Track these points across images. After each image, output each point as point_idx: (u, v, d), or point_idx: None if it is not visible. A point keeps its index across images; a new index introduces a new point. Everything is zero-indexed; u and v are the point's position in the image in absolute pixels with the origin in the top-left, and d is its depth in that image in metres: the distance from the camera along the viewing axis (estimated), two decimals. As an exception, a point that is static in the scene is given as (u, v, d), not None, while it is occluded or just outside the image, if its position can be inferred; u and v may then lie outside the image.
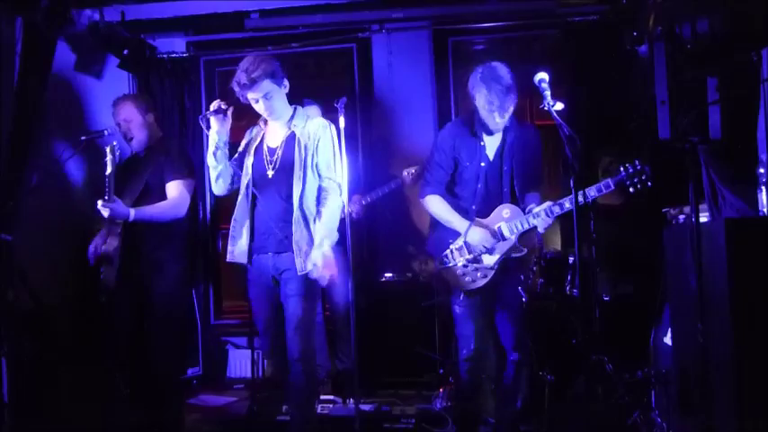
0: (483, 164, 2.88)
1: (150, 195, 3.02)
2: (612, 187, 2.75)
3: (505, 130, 2.90)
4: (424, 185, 2.96)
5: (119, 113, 3.15)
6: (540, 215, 2.78)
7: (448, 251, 2.89)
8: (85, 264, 3.12)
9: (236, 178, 2.79)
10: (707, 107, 2.20)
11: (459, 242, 2.87)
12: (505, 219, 2.84)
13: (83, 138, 3.20)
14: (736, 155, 2.38)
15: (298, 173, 2.66)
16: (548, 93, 2.59)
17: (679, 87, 2.22)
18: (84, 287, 4.01)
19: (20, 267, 3.36)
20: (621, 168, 2.75)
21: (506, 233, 2.83)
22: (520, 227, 2.82)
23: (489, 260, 2.84)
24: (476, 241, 2.82)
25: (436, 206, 2.92)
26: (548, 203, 2.79)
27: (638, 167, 2.70)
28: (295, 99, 3.09)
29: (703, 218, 2.61)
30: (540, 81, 2.62)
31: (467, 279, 2.87)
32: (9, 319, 3.17)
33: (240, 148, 2.82)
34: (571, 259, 3.54)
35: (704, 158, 2.50)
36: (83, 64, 4.31)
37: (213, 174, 2.77)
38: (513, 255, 2.86)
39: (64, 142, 3.22)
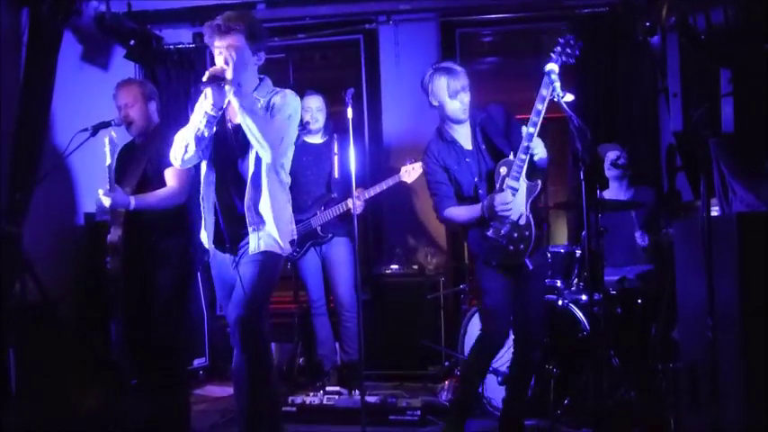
0: (468, 159, 2.91)
1: (149, 183, 3.00)
2: (555, 60, 2.67)
3: (472, 120, 2.93)
4: (437, 207, 2.96)
5: (121, 96, 3.11)
6: (524, 141, 2.72)
7: (488, 240, 2.82)
8: (91, 255, 3.12)
9: (204, 153, 2.56)
10: (719, 99, 2.17)
11: (487, 224, 2.82)
12: (504, 174, 2.81)
13: (89, 128, 3.18)
14: (748, 149, 2.35)
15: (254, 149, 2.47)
16: (557, 84, 2.57)
17: (690, 79, 2.19)
18: (90, 278, 4.03)
19: (27, 259, 3.36)
20: (559, 40, 2.70)
21: (514, 184, 2.78)
22: (518, 169, 2.77)
23: (517, 214, 2.79)
24: (495, 207, 2.76)
25: (455, 213, 2.92)
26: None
27: (568, 39, 2.69)
28: (300, 90, 3.06)
29: (713, 212, 2.59)
30: (550, 72, 2.59)
31: (521, 246, 2.79)
32: (16, 311, 3.18)
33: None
34: (578, 252, 3.53)
35: (715, 151, 2.48)
36: (89, 55, 4.31)
37: (194, 146, 2.47)
38: (534, 193, 2.80)
39: (70, 133, 3.20)
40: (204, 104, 2.43)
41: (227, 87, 2.41)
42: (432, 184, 2.96)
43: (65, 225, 4.14)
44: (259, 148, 2.44)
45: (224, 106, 2.48)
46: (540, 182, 2.81)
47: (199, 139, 2.48)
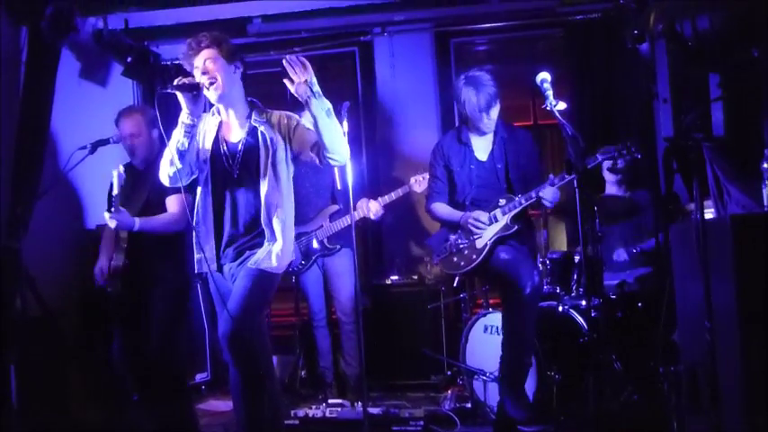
0: (473, 166, 3.03)
1: (151, 210, 3.03)
2: (599, 160, 2.90)
3: (495, 132, 3.05)
4: (428, 197, 3.18)
5: (125, 127, 3.13)
6: (534, 191, 2.93)
7: (446, 241, 3.08)
8: (91, 270, 3.13)
9: (193, 168, 2.57)
10: (709, 104, 2.20)
11: (456, 230, 3.06)
12: (500, 206, 3.02)
13: (87, 145, 3.21)
14: (741, 151, 2.37)
15: (264, 170, 2.52)
16: (550, 93, 2.61)
17: (681, 85, 2.22)
18: (90, 293, 4.04)
19: (27, 274, 3.38)
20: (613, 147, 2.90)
21: (499, 216, 2.99)
22: (512, 208, 2.98)
23: (481, 241, 2.99)
24: (469, 221, 2.98)
25: (439, 210, 3.14)
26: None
27: (627, 144, 2.87)
28: (297, 105, 3.08)
29: (708, 214, 2.60)
30: (543, 81, 2.63)
31: (461, 263, 3.02)
32: (17, 326, 3.18)
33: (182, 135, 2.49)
34: (576, 258, 3.53)
35: (709, 155, 2.50)
36: (87, 72, 4.35)
37: (177, 159, 2.46)
38: (505, 233, 2.98)
39: (69, 148, 3.23)
40: (181, 115, 2.48)
41: (212, 94, 2.49)
42: (430, 176, 3.20)
43: (65, 240, 4.15)
44: (335, 154, 2.44)
45: (200, 115, 2.52)
46: (517, 226, 3.00)
47: (180, 153, 2.49)
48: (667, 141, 2.20)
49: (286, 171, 2.58)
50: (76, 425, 3.15)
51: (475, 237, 2.98)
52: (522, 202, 2.94)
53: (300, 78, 2.39)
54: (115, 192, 2.95)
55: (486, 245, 2.97)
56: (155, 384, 2.96)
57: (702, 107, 2.21)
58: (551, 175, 2.96)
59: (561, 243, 4.63)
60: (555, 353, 3.22)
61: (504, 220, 2.96)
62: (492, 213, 2.98)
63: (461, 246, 3.00)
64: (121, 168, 3.02)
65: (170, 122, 2.55)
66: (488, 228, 2.97)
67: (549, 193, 2.90)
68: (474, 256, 2.97)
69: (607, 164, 3.85)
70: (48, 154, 3.86)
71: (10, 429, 2.95)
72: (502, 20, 4.52)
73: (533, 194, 2.92)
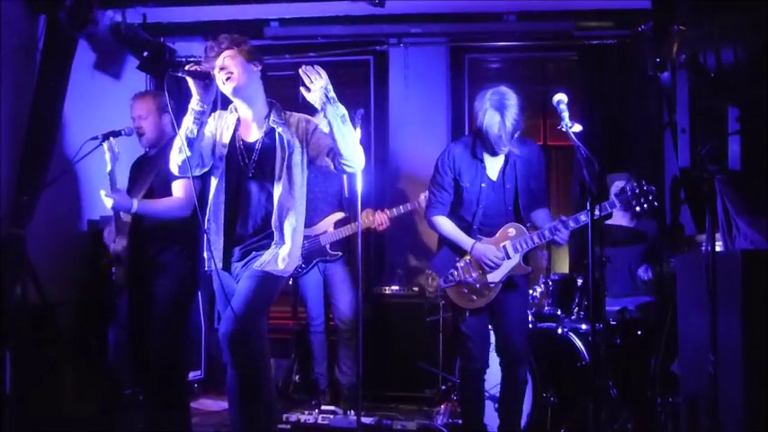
0: (484, 184, 2.92)
1: (154, 195, 3.00)
2: (617, 205, 2.79)
3: (507, 154, 2.93)
4: (430, 206, 3.00)
5: (135, 108, 3.13)
6: (548, 232, 2.83)
7: (453, 269, 2.92)
8: (92, 262, 3.12)
9: (206, 161, 2.56)
10: (727, 137, 2.20)
11: (466, 259, 2.91)
12: (510, 237, 2.90)
13: (98, 136, 3.20)
14: (754, 186, 2.37)
15: (279, 173, 2.53)
16: (566, 114, 2.59)
17: (697, 116, 2.23)
18: (90, 285, 4.03)
19: (29, 262, 3.37)
20: (627, 187, 2.80)
21: (511, 252, 2.88)
22: (524, 245, 2.87)
23: (493, 277, 2.88)
24: (482, 257, 2.86)
25: (443, 226, 2.97)
26: (555, 222, 2.85)
27: (645, 188, 2.74)
28: (309, 109, 3.09)
29: (716, 248, 2.59)
30: (559, 102, 2.61)
31: (473, 297, 2.89)
32: (16, 314, 3.17)
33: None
34: (579, 281, 3.53)
35: (720, 188, 2.50)
36: (102, 63, 4.35)
37: (187, 147, 2.43)
38: (518, 273, 2.90)
39: (79, 139, 3.22)
40: (192, 102, 2.47)
41: (228, 87, 2.48)
42: (434, 183, 2.98)
43: (68, 231, 4.14)
44: (349, 161, 2.45)
45: (211, 102, 2.50)
46: (530, 269, 2.91)
47: (189, 140, 2.47)
48: (683, 172, 2.19)
49: (301, 175, 2.57)
50: (68, 417, 3.13)
51: (487, 272, 2.88)
52: (536, 240, 2.85)
53: (316, 85, 2.40)
54: (108, 167, 2.92)
55: (499, 282, 2.88)
56: (154, 382, 2.93)
57: (719, 139, 2.21)
58: (563, 217, 2.84)
59: (563, 264, 4.63)
60: (552, 375, 3.21)
61: (516, 258, 2.87)
62: (502, 245, 2.88)
63: (472, 280, 2.87)
64: (113, 140, 2.97)
65: (181, 111, 2.53)
66: (502, 264, 2.87)
67: (564, 236, 2.82)
68: (487, 292, 2.88)
69: (615, 189, 3.85)
70: (57, 143, 3.85)
71: (3, 416, 2.92)
72: (517, 39, 4.55)
73: (547, 234, 2.83)
